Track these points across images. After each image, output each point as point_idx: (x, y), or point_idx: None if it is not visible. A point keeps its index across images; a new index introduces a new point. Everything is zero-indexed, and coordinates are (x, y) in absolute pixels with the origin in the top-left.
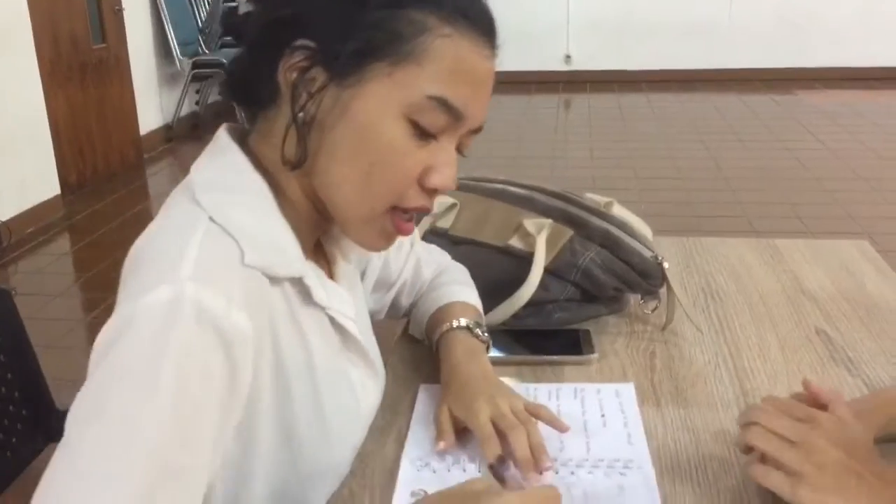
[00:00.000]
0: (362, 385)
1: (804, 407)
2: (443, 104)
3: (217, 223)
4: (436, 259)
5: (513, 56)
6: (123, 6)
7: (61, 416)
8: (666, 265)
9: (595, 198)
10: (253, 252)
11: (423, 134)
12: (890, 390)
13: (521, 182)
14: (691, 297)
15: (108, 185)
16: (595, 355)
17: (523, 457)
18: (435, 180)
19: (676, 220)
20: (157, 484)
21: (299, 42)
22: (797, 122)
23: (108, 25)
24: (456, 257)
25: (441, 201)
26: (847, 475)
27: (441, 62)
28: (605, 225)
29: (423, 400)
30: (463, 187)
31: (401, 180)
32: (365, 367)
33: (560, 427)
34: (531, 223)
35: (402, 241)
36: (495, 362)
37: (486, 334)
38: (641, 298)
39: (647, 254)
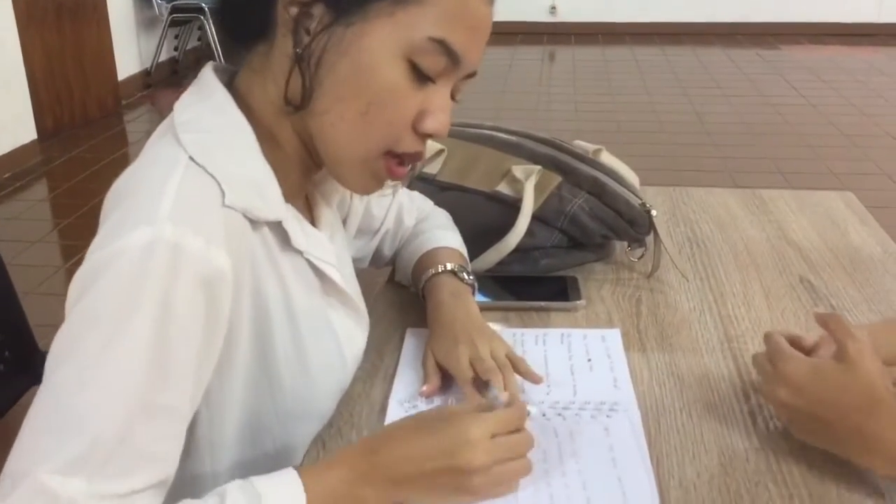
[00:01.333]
0: (344, 329)
1: (779, 346)
2: (443, 47)
3: (197, 163)
4: (418, 205)
5: (498, 6)
6: None
7: (45, 359)
8: (654, 213)
9: (584, 145)
10: (233, 193)
11: (421, 77)
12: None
13: (510, 128)
14: (677, 246)
15: (86, 130)
16: (582, 301)
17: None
18: (429, 124)
19: (659, 174)
20: (135, 421)
21: None
22: (781, 77)
23: None
24: (443, 203)
25: (428, 146)
26: (805, 414)
27: (443, 4)
28: (593, 172)
29: (410, 343)
30: (450, 133)
31: (397, 121)
32: (347, 312)
33: (533, 379)
34: (519, 169)
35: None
36: (482, 307)
37: (471, 277)
38: (628, 246)
39: (635, 201)
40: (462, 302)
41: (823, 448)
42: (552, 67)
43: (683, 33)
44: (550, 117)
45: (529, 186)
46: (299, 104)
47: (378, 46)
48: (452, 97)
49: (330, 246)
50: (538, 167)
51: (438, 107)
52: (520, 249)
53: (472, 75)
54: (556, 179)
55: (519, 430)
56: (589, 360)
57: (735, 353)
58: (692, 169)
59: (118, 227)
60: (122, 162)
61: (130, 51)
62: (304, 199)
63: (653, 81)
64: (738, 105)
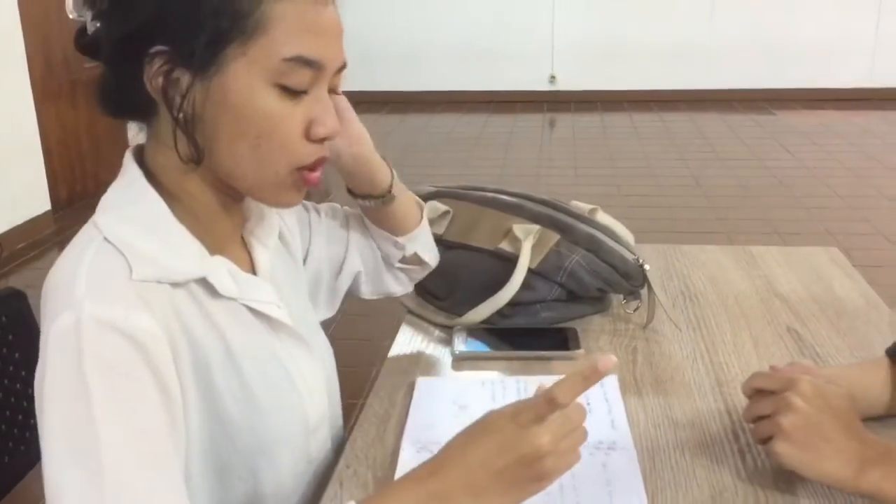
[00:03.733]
0: (294, 361)
1: (783, 378)
2: (301, 61)
3: (109, 241)
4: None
5: (498, 76)
6: None
7: None
8: (647, 267)
9: (580, 205)
10: (141, 266)
11: (294, 94)
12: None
13: (511, 191)
14: (671, 299)
15: (98, 201)
16: (581, 351)
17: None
18: (320, 131)
19: (658, 236)
20: (133, 474)
21: (154, 49)
22: (776, 142)
23: None
24: (449, 260)
25: (434, 208)
26: (817, 434)
27: (285, 24)
28: (589, 230)
29: (421, 390)
30: (455, 195)
31: (289, 142)
32: (296, 344)
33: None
34: (520, 228)
35: (338, 212)
36: (486, 358)
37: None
38: (624, 299)
39: (630, 256)
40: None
41: (814, 464)
42: (552, 134)
43: (680, 100)
44: (551, 182)
45: (527, 245)
46: (197, 160)
47: (244, 85)
48: (333, 91)
49: (267, 286)
50: (537, 226)
51: (322, 112)
52: (522, 303)
53: (342, 69)
54: (555, 237)
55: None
56: (588, 403)
57: (725, 397)
58: (690, 231)
59: (48, 320)
60: None
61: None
62: (240, 244)
63: (651, 147)
64: (734, 169)
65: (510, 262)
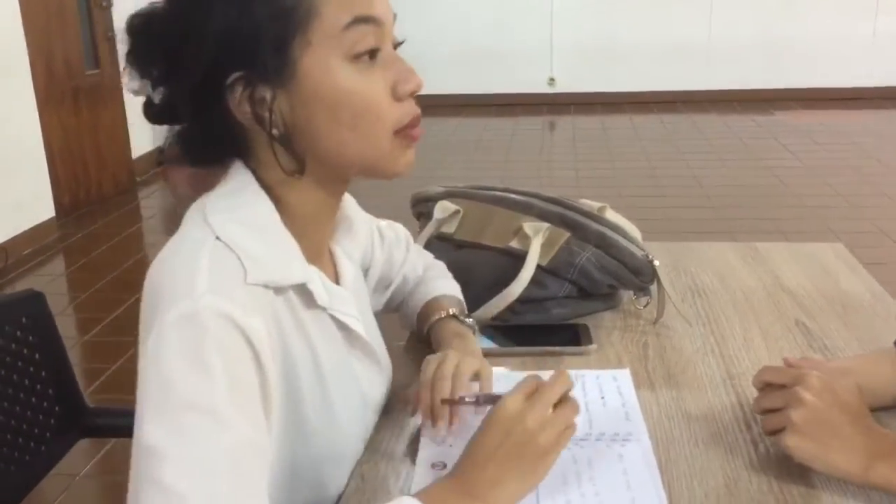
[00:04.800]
0: (367, 378)
1: (793, 371)
2: (360, 21)
3: (223, 241)
4: (423, 258)
5: (498, 79)
6: (116, 32)
7: (91, 413)
8: (657, 263)
9: (590, 203)
10: (255, 270)
11: (367, 59)
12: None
13: (520, 189)
14: (679, 294)
15: (102, 207)
16: (593, 346)
17: (424, 406)
18: (406, 88)
19: (661, 236)
20: (243, 462)
21: (230, 80)
22: (776, 141)
23: (101, 52)
24: (460, 259)
25: (445, 208)
26: (826, 427)
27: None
28: (599, 227)
29: None
30: (465, 195)
31: (382, 110)
32: (369, 361)
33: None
34: (530, 226)
35: (400, 242)
36: (500, 354)
37: (470, 320)
38: (634, 295)
39: (639, 253)
40: (464, 340)
41: (823, 458)
42: (553, 136)
43: (680, 101)
44: (553, 183)
45: (536, 243)
46: (300, 170)
47: (322, 73)
48: (395, 47)
49: (352, 300)
50: (547, 224)
51: (400, 70)
52: (534, 300)
53: (394, 19)
54: (565, 235)
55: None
56: (602, 397)
57: (737, 389)
58: (693, 231)
59: (162, 310)
60: (137, 237)
61: (144, 130)
62: (328, 255)
63: (651, 148)
64: (734, 168)
65: (521, 259)
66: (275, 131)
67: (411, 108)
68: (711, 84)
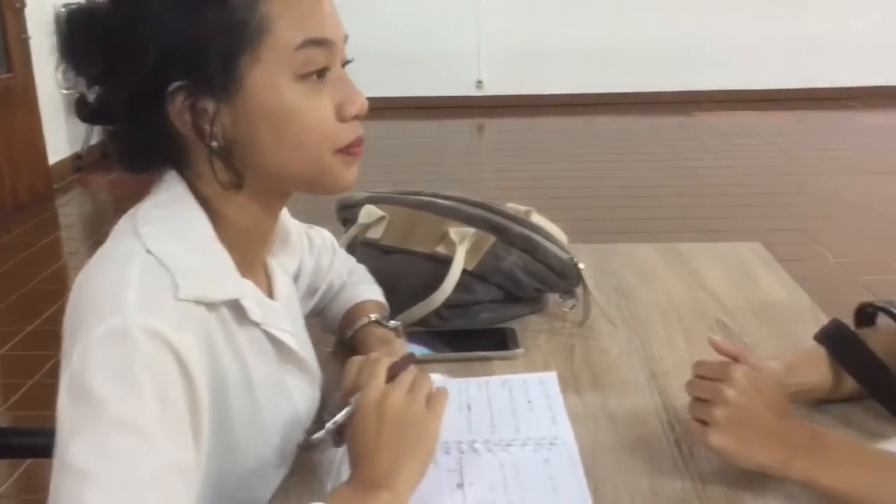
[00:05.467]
0: (299, 391)
1: (720, 366)
2: (312, 44)
3: (154, 255)
4: (347, 262)
5: (425, 82)
6: (30, 35)
7: (5, 433)
8: (581, 266)
9: (516, 207)
10: (186, 285)
11: (315, 78)
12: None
13: (447, 194)
14: (605, 296)
15: (17, 216)
16: (520, 350)
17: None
18: (352, 110)
19: (588, 236)
20: (171, 485)
21: (172, 88)
22: (697, 142)
23: (15, 55)
24: (387, 265)
25: (370, 213)
26: (748, 424)
27: (284, 16)
28: (525, 231)
29: None
30: (391, 200)
31: (326, 129)
32: (301, 374)
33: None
34: (455, 231)
35: (326, 248)
36: (429, 360)
37: (393, 323)
38: (560, 298)
39: (564, 256)
40: (388, 345)
41: (745, 455)
42: (481, 139)
43: (605, 103)
44: (482, 186)
45: (461, 248)
46: (238, 185)
47: (268, 90)
48: (343, 66)
49: (286, 314)
50: (473, 229)
51: (347, 92)
52: (461, 305)
53: (346, 40)
54: (491, 239)
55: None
56: (529, 401)
57: (661, 390)
58: (619, 231)
59: (89, 326)
60: (55, 246)
61: (61, 135)
62: (263, 269)
63: (578, 149)
64: (659, 169)
65: (447, 264)
66: (214, 144)
67: (354, 130)
68: (635, 86)
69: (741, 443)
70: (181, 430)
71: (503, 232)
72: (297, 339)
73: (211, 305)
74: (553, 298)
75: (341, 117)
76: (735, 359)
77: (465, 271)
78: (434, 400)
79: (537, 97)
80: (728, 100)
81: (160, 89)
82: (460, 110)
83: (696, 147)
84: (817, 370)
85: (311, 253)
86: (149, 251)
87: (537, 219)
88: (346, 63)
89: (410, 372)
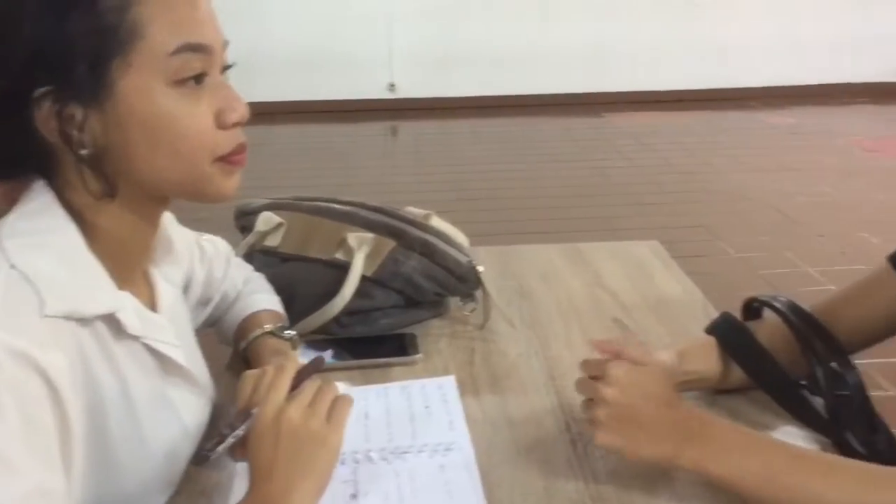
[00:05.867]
0: (186, 405)
1: (601, 364)
2: (188, 49)
3: (18, 269)
4: (243, 271)
5: (336, 85)
6: None
7: None
8: (480, 269)
9: (414, 210)
10: (54, 300)
11: (192, 84)
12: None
13: (345, 199)
14: (506, 298)
15: None
16: (419, 355)
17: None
18: (232, 117)
19: (501, 238)
20: None
21: (38, 93)
22: (607, 143)
23: None
24: (286, 272)
25: (268, 220)
26: (632, 421)
27: (157, 20)
28: (423, 235)
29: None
30: (289, 206)
31: (204, 136)
32: (188, 387)
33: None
34: (354, 237)
35: (220, 256)
36: (326, 369)
37: (289, 333)
38: (460, 301)
39: (464, 259)
40: (282, 357)
41: (633, 450)
42: (395, 142)
43: (516, 105)
44: (395, 189)
45: (360, 254)
46: (111, 193)
47: (141, 96)
48: (222, 72)
49: (169, 326)
50: (371, 234)
51: (226, 98)
52: (360, 311)
53: (225, 45)
54: (390, 244)
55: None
56: (427, 406)
57: (558, 390)
58: (531, 231)
59: None
60: None
61: None
62: (144, 279)
63: (491, 151)
64: (569, 169)
65: (346, 271)
66: (83, 152)
67: (236, 137)
68: (545, 88)
69: (627, 439)
70: (49, 453)
71: (402, 236)
72: (185, 350)
73: (83, 321)
74: (454, 302)
75: (221, 124)
76: (617, 356)
77: (364, 277)
78: (336, 412)
79: (450, 99)
80: (636, 101)
81: (25, 95)
82: (374, 113)
83: (605, 147)
84: (707, 360)
85: (202, 262)
86: (13, 266)
87: (437, 222)
88: (226, 68)
89: (314, 383)
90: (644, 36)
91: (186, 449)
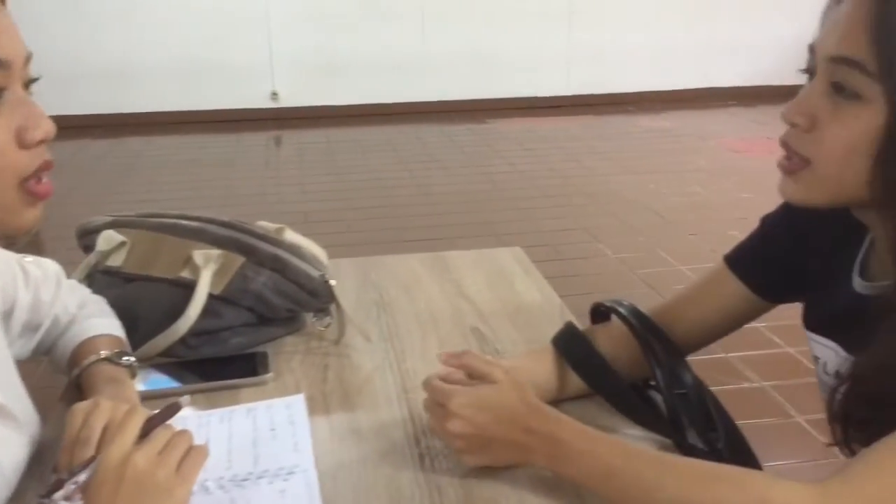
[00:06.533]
0: (1, 440)
1: (443, 393)
2: None
3: None
4: (78, 294)
5: (217, 94)
6: None
7: None
8: (333, 282)
9: (266, 225)
10: None
11: None
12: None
13: (194, 215)
14: (365, 311)
15: None
16: (270, 375)
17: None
18: (36, 135)
19: (388, 246)
20: None
21: None
22: (490, 148)
23: None
24: (130, 293)
25: (110, 239)
26: (483, 438)
27: None
28: (274, 250)
29: None
30: (133, 224)
31: (5, 158)
32: (4, 421)
33: None
34: (200, 254)
35: (48, 279)
36: (171, 394)
37: (127, 359)
38: (314, 316)
39: (315, 273)
40: (117, 385)
41: (495, 462)
42: (279, 152)
43: (402, 112)
44: (279, 199)
45: (206, 272)
46: None
47: None
48: (28, 86)
49: None
50: (219, 251)
51: (27, 115)
52: (209, 331)
53: (28, 60)
54: (239, 260)
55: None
56: (272, 429)
57: (410, 404)
58: (417, 238)
59: None
60: None
61: None
62: None
63: (376, 160)
64: (455, 176)
65: (192, 290)
66: None
67: (38, 156)
68: (430, 95)
69: (487, 455)
70: None
71: (252, 252)
72: (1, 381)
73: None
74: (309, 317)
75: (23, 143)
76: (462, 367)
77: (211, 296)
78: (187, 464)
79: (335, 108)
80: (518, 107)
81: None
82: (256, 123)
83: (489, 153)
84: (544, 370)
85: (26, 286)
86: None
87: (291, 236)
88: (29, 83)
89: (168, 429)
90: (525, 42)
91: (1, 493)
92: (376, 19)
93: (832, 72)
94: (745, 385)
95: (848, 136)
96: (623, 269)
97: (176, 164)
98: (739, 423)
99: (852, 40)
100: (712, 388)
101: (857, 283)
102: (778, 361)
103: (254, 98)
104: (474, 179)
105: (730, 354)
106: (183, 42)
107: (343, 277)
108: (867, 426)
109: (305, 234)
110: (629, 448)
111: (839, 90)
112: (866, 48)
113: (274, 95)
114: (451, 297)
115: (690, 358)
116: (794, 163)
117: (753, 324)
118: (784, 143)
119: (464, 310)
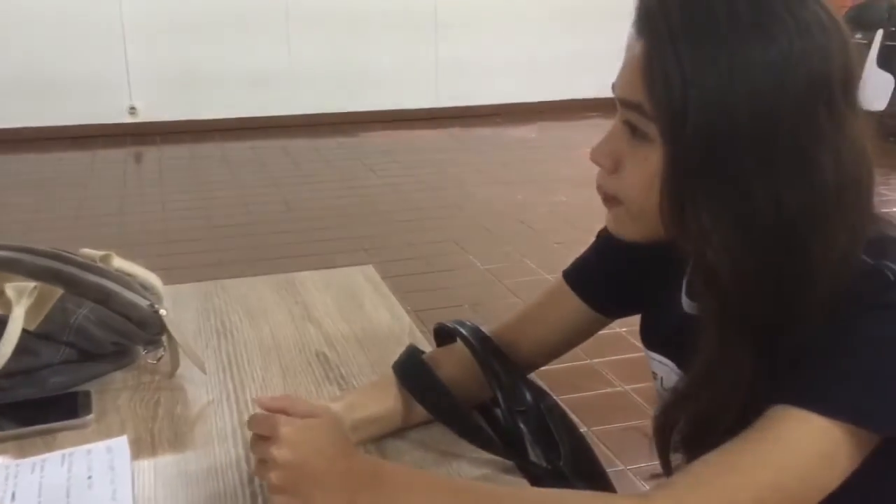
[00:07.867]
0: None
1: (269, 424)
2: None
3: None
4: None
5: (71, 109)
6: None
7: None
8: (163, 312)
9: (90, 252)
10: None
11: None
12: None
13: (9, 244)
14: (206, 339)
15: None
16: (90, 416)
17: None
18: None
19: (251, 266)
20: None
21: None
22: (360, 162)
23: None
24: None
25: None
26: (305, 480)
27: None
28: (98, 280)
29: None
30: None
31: None
32: None
33: None
34: (11, 287)
35: None
36: None
37: None
38: (145, 349)
39: (144, 303)
40: None
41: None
42: (139, 168)
43: (269, 126)
44: (139, 219)
45: (19, 308)
46: None
47: None
48: None
49: None
50: (35, 283)
51: None
52: (24, 371)
53: None
54: (58, 293)
55: None
56: (89, 476)
57: (245, 439)
58: (282, 256)
59: None
60: None
61: None
62: None
63: (243, 175)
64: (324, 191)
65: (3, 327)
66: None
67: None
68: (298, 109)
69: (303, 499)
70: None
71: (72, 283)
72: None
73: None
74: (141, 350)
75: None
76: (283, 412)
77: (25, 332)
78: None
79: (197, 122)
80: (387, 119)
81: None
82: (114, 139)
83: (359, 167)
84: (384, 400)
85: None
86: None
87: (119, 263)
88: None
89: None
90: (393, 55)
91: None
92: (240, 30)
93: (624, 114)
94: (610, 389)
95: (642, 176)
96: (491, 280)
97: (24, 184)
98: (603, 427)
99: (633, 84)
100: (576, 395)
101: (685, 303)
102: (640, 365)
103: (110, 113)
104: (344, 194)
105: (594, 360)
106: (26, 53)
107: (183, 304)
108: (689, 443)
109: (165, 255)
110: (455, 483)
111: (634, 131)
112: (642, 91)
113: (132, 110)
114: (298, 322)
115: (554, 364)
116: (609, 202)
117: (615, 329)
118: (597, 185)
119: (310, 334)
